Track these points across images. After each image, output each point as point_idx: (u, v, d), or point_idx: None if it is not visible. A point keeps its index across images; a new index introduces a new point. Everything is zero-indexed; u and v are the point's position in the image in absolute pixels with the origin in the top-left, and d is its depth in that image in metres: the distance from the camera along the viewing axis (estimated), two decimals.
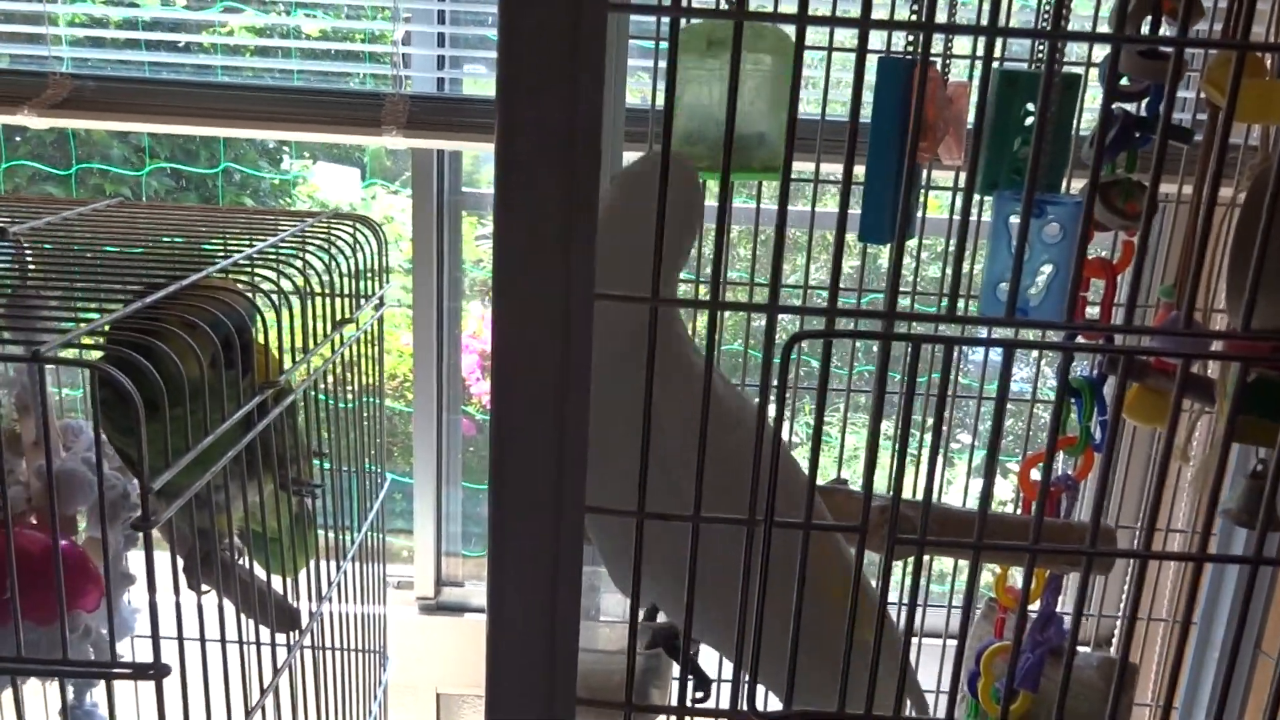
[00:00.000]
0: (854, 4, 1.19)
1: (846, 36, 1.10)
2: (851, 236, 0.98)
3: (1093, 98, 1.05)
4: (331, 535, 1.05)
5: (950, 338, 0.50)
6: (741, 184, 1.14)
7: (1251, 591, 0.56)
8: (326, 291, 0.93)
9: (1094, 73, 1.03)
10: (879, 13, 1.32)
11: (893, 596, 1.24)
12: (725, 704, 0.55)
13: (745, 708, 0.53)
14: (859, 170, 1.11)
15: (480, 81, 1.55)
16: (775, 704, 0.71)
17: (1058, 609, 1.12)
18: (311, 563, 1.05)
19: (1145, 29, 0.95)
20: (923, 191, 1.05)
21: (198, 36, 1.50)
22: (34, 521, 0.86)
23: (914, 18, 0.95)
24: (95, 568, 0.86)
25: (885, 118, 0.92)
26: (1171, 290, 0.98)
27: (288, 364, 0.85)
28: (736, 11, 0.45)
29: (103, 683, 0.74)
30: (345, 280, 0.98)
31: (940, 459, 1.17)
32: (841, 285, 1.22)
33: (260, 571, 0.96)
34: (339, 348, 0.96)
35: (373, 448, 1.12)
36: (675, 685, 0.85)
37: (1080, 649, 1.09)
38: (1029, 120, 0.97)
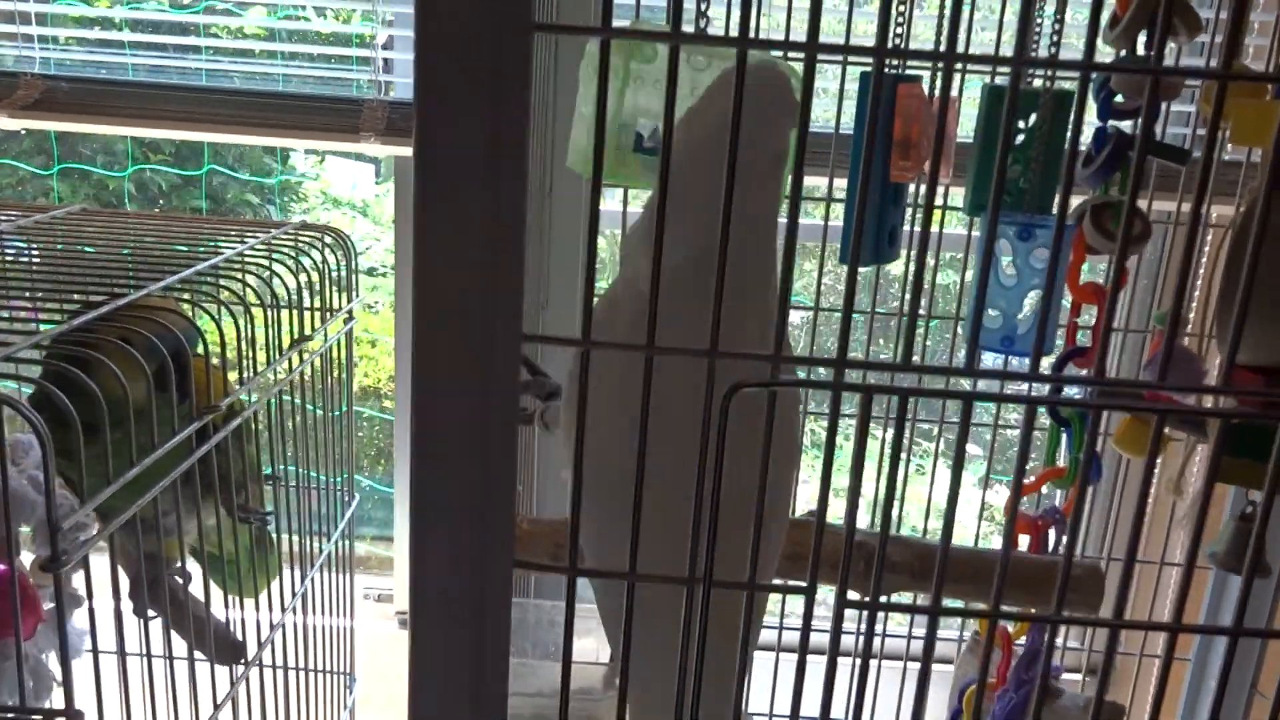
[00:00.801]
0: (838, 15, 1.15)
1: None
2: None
3: (1089, 113, 1.00)
4: (293, 555, 1.01)
5: (906, 389, 0.46)
6: None
7: (1232, 659, 0.52)
8: (284, 304, 0.89)
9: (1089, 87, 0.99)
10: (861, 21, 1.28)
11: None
12: None
13: None
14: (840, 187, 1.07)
15: None
16: None
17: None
18: (273, 584, 1.02)
19: (1141, 42, 0.91)
20: (909, 210, 1.01)
21: (176, 38, 1.47)
22: None
23: (898, 31, 0.91)
24: (34, 592, 0.83)
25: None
26: (1166, 317, 0.94)
27: (240, 383, 0.82)
28: (672, 34, 0.42)
29: None
30: (308, 294, 0.94)
31: (896, 509, 1.12)
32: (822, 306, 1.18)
33: (217, 594, 0.93)
34: (298, 366, 0.92)
35: (339, 462, 1.08)
36: None
37: (1069, 689, 1.05)
38: (1019, 138, 0.93)
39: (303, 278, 0.94)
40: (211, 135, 1.37)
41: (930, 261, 1.51)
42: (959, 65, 0.93)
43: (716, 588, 0.48)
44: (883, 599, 0.85)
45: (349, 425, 1.10)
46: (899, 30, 0.92)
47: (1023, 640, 1.08)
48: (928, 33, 1.36)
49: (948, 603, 0.50)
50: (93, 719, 0.65)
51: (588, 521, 0.60)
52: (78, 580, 0.92)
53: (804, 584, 0.49)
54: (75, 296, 0.73)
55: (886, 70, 0.94)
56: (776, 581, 0.71)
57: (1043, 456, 1.04)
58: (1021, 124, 0.92)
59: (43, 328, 0.69)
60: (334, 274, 1.02)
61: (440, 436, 0.47)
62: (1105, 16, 0.98)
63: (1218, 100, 0.43)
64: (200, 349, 0.75)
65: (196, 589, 0.88)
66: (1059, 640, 1.14)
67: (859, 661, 0.49)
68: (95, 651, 0.81)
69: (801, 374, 0.66)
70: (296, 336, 0.92)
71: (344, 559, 1.14)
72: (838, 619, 0.48)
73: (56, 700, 0.77)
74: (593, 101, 0.84)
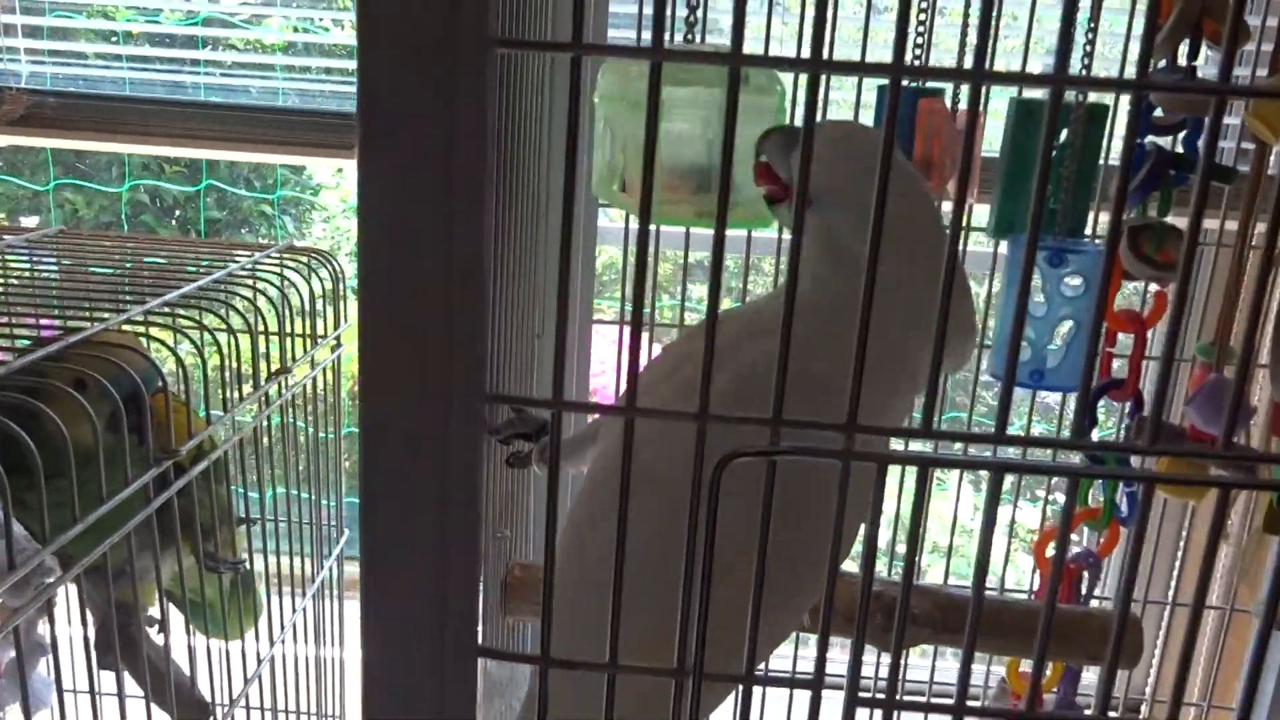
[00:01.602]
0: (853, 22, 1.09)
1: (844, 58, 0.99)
2: None
3: (1123, 128, 0.94)
4: (271, 603, 0.96)
5: (926, 459, 0.40)
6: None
7: None
8: (261, 332, 0.84)
9: (1124, 99, 0.92)
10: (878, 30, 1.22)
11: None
12: None
13: None
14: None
15: None
16: None
17: (1076, 697, 1.01)
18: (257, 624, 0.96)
19: (1183, 53, 0.84)
20: None
21: (167, 51, 1.43)
22: None
23: (919, 42, 0.85)
24: None
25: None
26: (1210, 349, 0.87)
27: (209, 421, 0.76)
28: (654, 50, 0.36)
29: None
30: (290, 321, 0.89)
31: (911, 577, 1.05)
32: None
33: (199, 637, 0.87)
34: (276, 399, 0.87)
35: (332, 488, 1.03)
36: None
37: None
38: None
39: (288, 303, 0.88)
40: (208, 152, 1.32)
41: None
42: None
43: (709, 678, 0.42)
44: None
45: (337, 453, 1.05)
46: (919, 41, 0.85)
47: (1054, 691, 1.01)
48: (949, 41, 1.30)
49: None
50: None
51: (574, 604, 0.54)
52: (43, 628, 0.87)
53: (810, 677, 0.42)
54: (27, 330, 0.68)
55: (905, 84, 0.88)
56: (777, 672, 0.64)
57: (1076, 488, 0.97)
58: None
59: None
60: (319, 299, 0.96)
61: (392, 514, 0.41)
62: (1139, 24, 0.91)
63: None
64: (164, 386, 0.69)
65: (175, 633, 0.83)
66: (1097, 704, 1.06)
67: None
68: (61, 704, 0.76)
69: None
70: (276, 368, 0.86)
71: (334, 594, 1.08)
72: (852, 692, 0.42)
73: None
74: (623, 126, 0.79)
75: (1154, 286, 0.94)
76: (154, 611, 0.85)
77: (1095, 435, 0.93)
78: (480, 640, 0.43)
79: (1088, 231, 0.90)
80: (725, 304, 1.16)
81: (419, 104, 0.36)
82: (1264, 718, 1.04)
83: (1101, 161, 0.88)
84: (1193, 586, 1.14)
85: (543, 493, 0.92)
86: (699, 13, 0.71)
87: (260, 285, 0.89)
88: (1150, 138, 0.87)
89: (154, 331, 0.73)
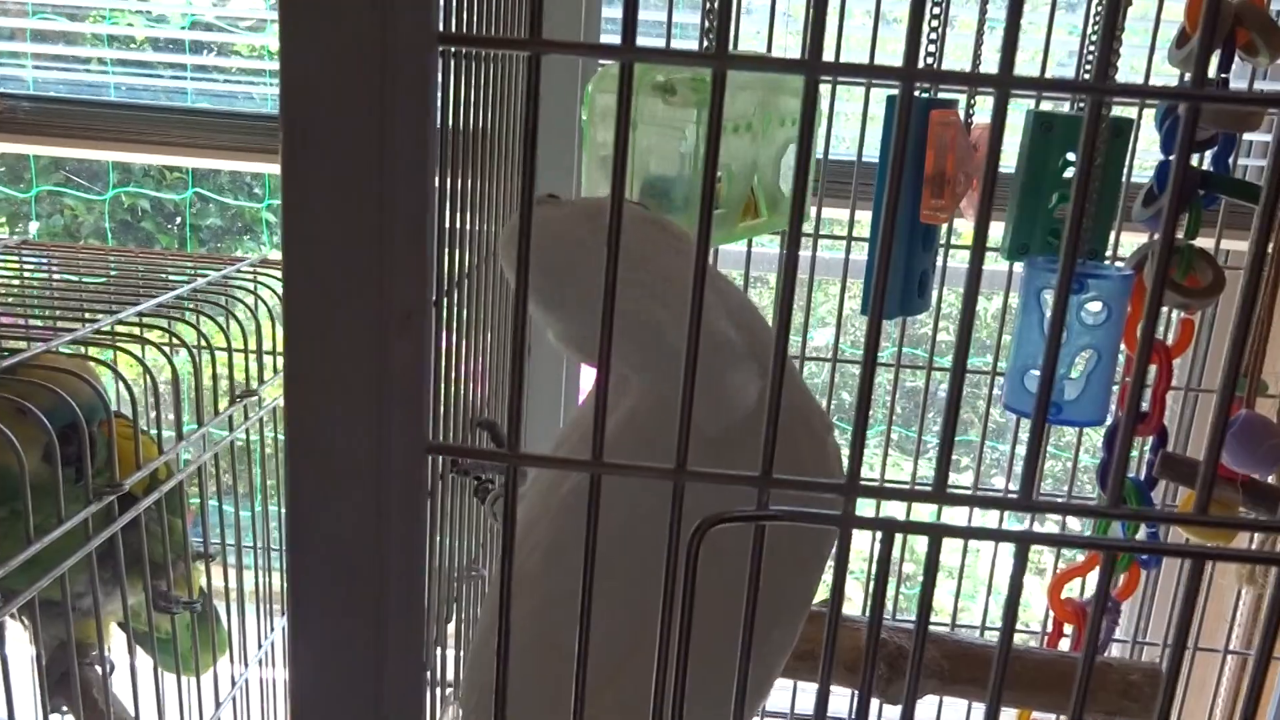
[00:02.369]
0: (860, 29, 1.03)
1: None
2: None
3: (1146, 143, 0.88)
4: (246, 625, 0.90)
5: (938, 529, 0.34)
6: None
7: None
8: (225, 350, 0.79)
9: (1148, 114, 0.87)
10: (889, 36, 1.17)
11: None
12: None
13: None
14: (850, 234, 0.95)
15: None
16: None
17: None
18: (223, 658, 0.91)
19: (1214, 65, 0.78)
20: (941, 252, 0.89)
21: (144, 54, 1.38)
22: None
23: (929, 50, 0.79)
24: None
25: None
26: (1240, 381, 0.81)
27: (161, 451, 0.71)
28: (624, 49, 0.30)
29: None
30: (260, 335, 0.83)
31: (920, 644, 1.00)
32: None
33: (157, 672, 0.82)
34: (242, 424, 0.81)
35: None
36: None
37: None
38: (1068, 172, 0.81)
39: (251, 322, 0.83)
40: (191, 160, 1.27)
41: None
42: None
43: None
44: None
45: None
46: (929, 49, 0.80)
47: None
48: (958, 52, 1.24)
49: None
50: None
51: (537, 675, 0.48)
52: None
53: None
54: None
55: (915, 93, 0.82)
56: None
57: (1095, 530, 0.91)
58: (1070, 155, 0.80)
59: None
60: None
61: (320, 579, 0.35)
62: (1168, 34, 0.85)
63: None
64: (107, 415, 0.64)
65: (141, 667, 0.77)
66: None
67: None
68: None
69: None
70: (242, 391, 0.81)
71: None
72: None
73: None
74: (607, 148, 0.74)
75: (1181, 314, 0.88)
76: (108, 649, 0.79)
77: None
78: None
79: (1108, 254, 0.84)
80: None
81: (348, 111, 0.31)
82: None
83: (1124, 179, 0.82)
84: (1216, 630, 1.08)
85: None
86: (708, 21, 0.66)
87: (221, 300, 0.84)
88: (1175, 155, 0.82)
89: (100, 352, 0.67)
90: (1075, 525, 1.28)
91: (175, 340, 0.70)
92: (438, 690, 0.64)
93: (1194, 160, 0.82)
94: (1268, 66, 0.79)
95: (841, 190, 0.93)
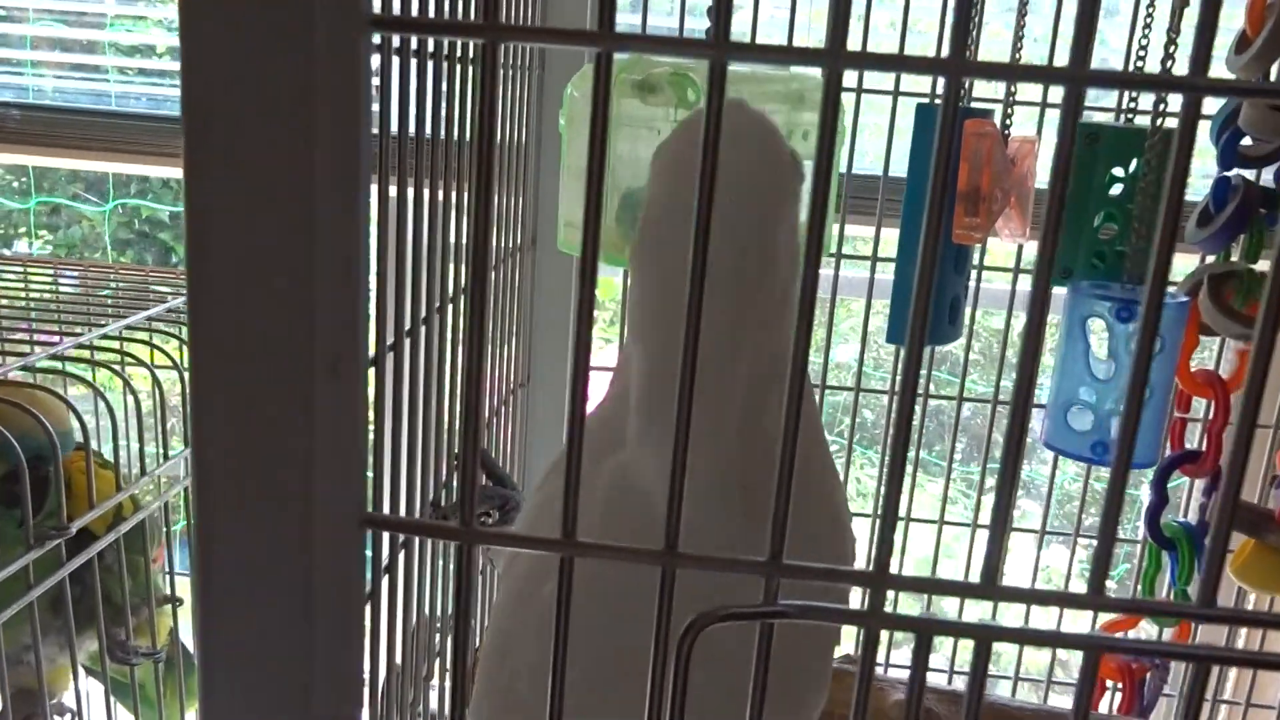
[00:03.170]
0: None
1: (882, 74, 0.88)
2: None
3: (1200, 157, 0.81)
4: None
5: (982, 630, 0.27)
6: None
7: None
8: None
9: (1202, 126, 0.80)
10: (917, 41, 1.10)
11: None
12: None
13: None
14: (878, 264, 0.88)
15: None
16: None
17: None
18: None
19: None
20: (974, 273, 0.82)
21: (145, 62, 1.33)
22: None
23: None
24: None
25: (924, 184, 0.70)
26: None
27: (119, 487, 0.65)
28: (602, 34, 0.24)
29: None
30: None
31: None
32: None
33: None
34: None
35: None
36: None
37: None
38: (1115, 188, 0.74)
39: None
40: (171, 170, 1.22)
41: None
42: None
43: None
44: None
45: None
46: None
47: None
48: (990, 53, 1.17)
49: None
50: None
51: None
52: None
53: None
54: None
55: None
56: None
57: (1140, 582, 0.84)
58: (1119, 170, 0.73)
59: None
60: None
61: (234, 664, 0.29)
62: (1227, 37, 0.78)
63: None
64: (55, 452, 0.58)
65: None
66: None
67: None
68: None
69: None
70: None
71: None
72: None
73: None
74: (581, 158, 0.67)
75: (1236, 345, 0.81)
76: (68, 698, 0.73)
77: (1165, 518, 0.80)
78: None
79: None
80: None
81: (258, 107, 0.25)
82: None
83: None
84: (1272, 686, 0.99)
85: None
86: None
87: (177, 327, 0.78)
88: (1236, 170, 0.75)
89: (51, 380, 0.62)
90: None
91: (132, 361, 0.64)
92: None
93: (1253, 176, 0.75)
94: None
95: (865, 207, 0.86)
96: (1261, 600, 0.86)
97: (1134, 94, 0.74)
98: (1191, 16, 0.68)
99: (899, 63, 0.25)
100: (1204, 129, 0.76)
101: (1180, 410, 0.80)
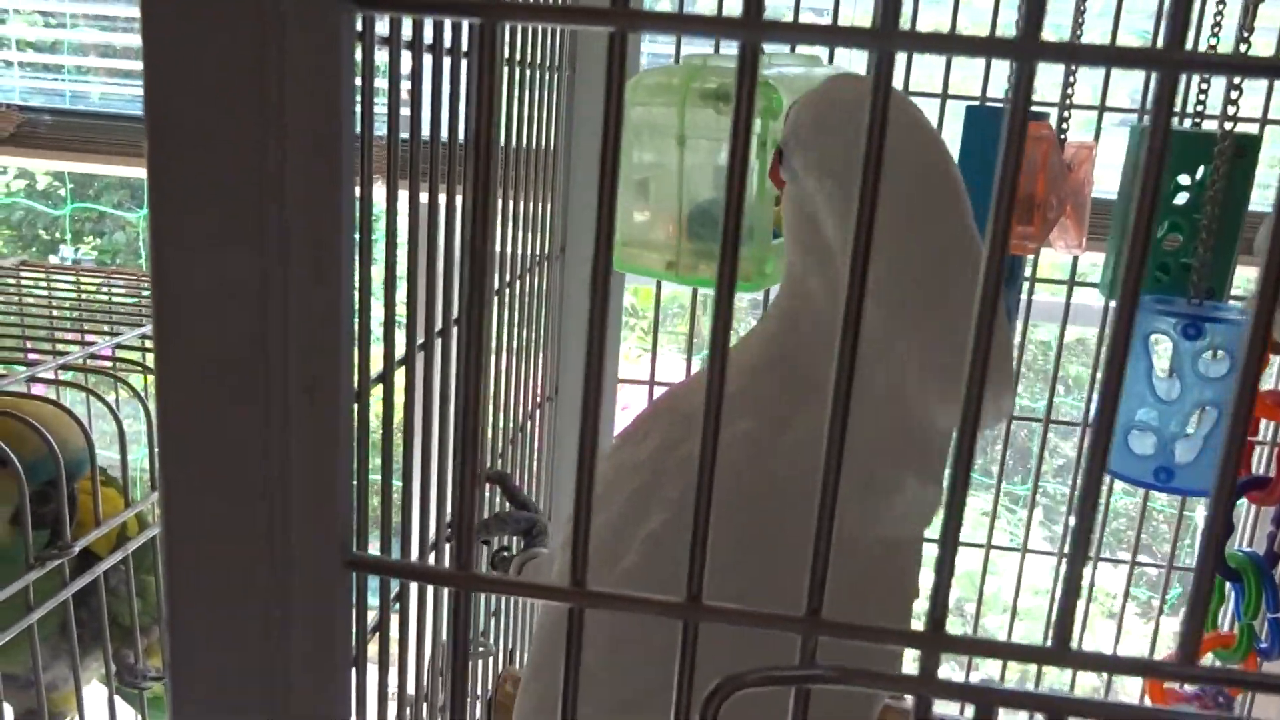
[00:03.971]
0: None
1: (929, 75, 0.84)
2: None
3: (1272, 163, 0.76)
4: None
5: (1052, 700, 0.24)
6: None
7: None
8: None
9: (1275, 131, 0.75)
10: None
11: None
12: None
13: None
14: None
15: None
16: None
17: None
18: None
19: None
20: (1025, 287, 0.78)
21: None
22: None
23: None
24: None
25: (974, 191, 0.65)
26: None
27: (128, 503, 0.63)
28: (616, 10, 0.21)
29: None
30: None
31: None
32: None
33: None
34: None
35: None
36: None
37: None
38: (1180, 197, 0.69)
39: None
40: None
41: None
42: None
43: None
44: None
45: None
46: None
47: None
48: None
49: None
50: None
51: None
52: None
53: None
54: None
55: (991, 104, 0.72)
56: None
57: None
58: (1185, 178, 0.69)
59: None
60: None
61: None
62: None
63: None
64: (59, 473, 0.56)
65: None
66: None
67: None
68: None
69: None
70: None
71: None
72: None
73: None
74: (640, 169, 0.64)
75: None
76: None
77: (1230, 546, 0.75)
78: None
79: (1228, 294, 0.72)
80: None
81: (225, 95, 0.22)
82: None
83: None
84: None
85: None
86: None
87: None
88: None
89: (57, 390, 0.60)
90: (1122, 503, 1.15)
91: (140, 370, 0.62)
92: None
93: None
94: None
95: None
96: None
97: (1202, 94, 0.69)
98: (1267, 9, 0.63)
99: (960, 44, 0.22)
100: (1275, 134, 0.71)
101: (1250, 432, 0.75)
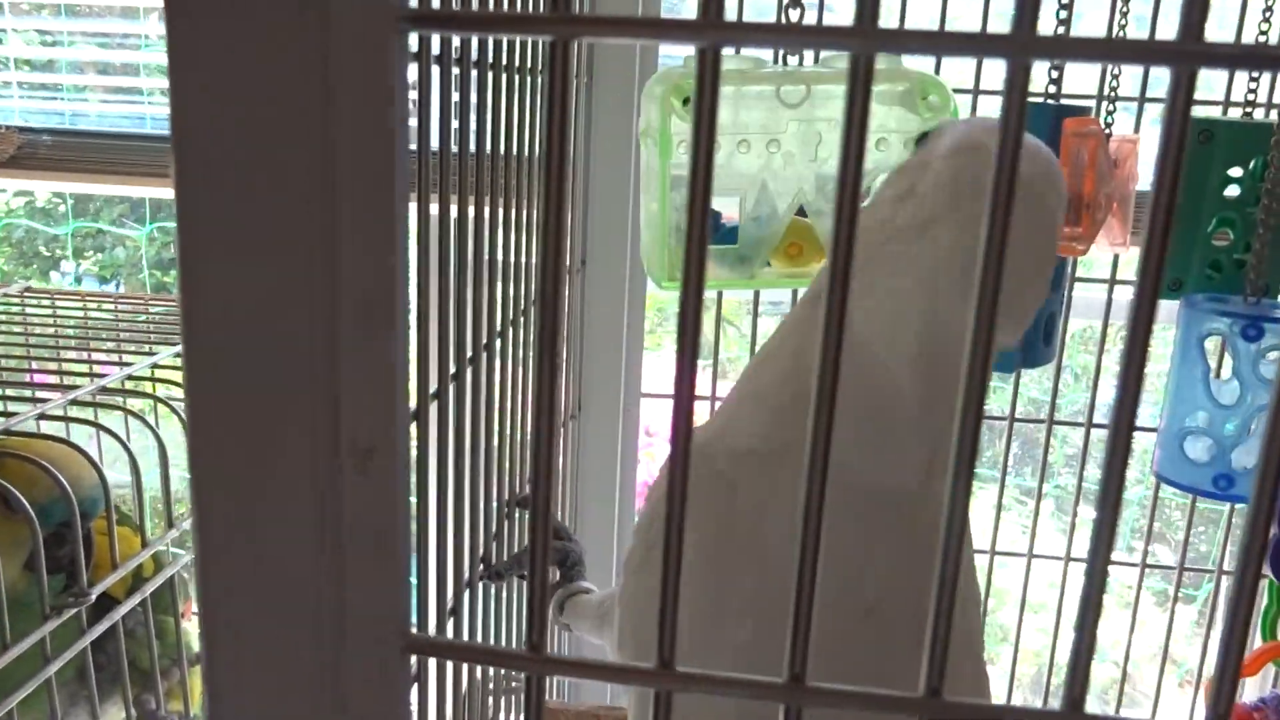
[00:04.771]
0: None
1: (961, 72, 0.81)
2: None
3: None
4: None
5: None
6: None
7: None
8: None
9: None
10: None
11: None
12: None
13: None
14: None
15: None
16: None
17: None
18: None
19: None
20: (1066, 291, 0.75)
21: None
22: None
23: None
24: None
25: None
26: None
27: (145, 544, 0.60)
28: (700, 22, 0.18)
29: None
30: None
31: None
32: None
33: None
34: None
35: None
36: None
37: None
38: (1230, 189, 0.67)
39: None
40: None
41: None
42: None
43: None
44: None
45: None
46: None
47: None
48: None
49: None
50: None
51: None
52: None
53: None
54: None
55: (1045, 100, 0.69)
56: None
57: (1261, 625, 0.76)
58: (1237, 171, 0.66)
59: None
60: None
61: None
62: None
63: None
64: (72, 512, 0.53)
65: None
66: None
67: None
68: None
69: None
70: None
71: None
72: None
73: None
74: (679, 166, 0.61)
75: None
76: None
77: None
78: None
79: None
80: None
81: (264, 128, 0.19)
82: None
83: None
84: None
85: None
86: None
87: None
88: None
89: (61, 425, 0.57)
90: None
91: (150, 398, 0.59)
92: None
93: None
94: None
95: None
96: None
97: (1253, 82, 0.66)
98: None
99: (949, 42, 0.19)
100: None
101: None
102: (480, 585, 0.52)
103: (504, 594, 0.59)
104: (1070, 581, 0.89)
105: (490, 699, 0.57)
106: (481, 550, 0.54)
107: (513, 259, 0.55)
